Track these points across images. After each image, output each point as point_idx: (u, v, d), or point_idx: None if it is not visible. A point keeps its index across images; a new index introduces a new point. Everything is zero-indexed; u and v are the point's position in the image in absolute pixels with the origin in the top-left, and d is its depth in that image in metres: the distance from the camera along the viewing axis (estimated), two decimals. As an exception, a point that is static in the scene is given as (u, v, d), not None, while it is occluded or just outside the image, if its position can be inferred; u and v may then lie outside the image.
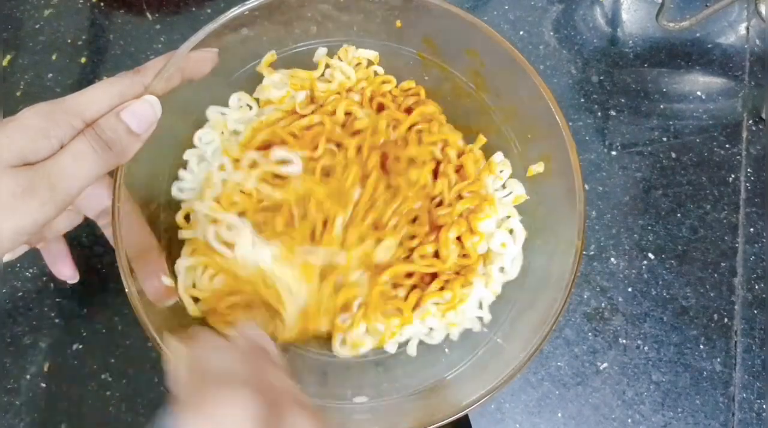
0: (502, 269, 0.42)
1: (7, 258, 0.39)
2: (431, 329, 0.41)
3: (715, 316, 0.49)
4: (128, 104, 0.31)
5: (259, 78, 0.44)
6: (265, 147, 0.41)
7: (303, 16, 0.42)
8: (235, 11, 0.38)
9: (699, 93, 0.54)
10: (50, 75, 0.51)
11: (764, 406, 0.47)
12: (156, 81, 0.33)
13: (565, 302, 0.36)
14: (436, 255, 0.42)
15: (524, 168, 0.42)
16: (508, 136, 0.43)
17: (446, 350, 0.42)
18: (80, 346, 0.45)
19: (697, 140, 0.53)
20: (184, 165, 0.42)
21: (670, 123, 0.53)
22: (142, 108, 0.32)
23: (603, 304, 0.48)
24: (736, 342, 0.48)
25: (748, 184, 0.52)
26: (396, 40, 0.44)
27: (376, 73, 0.45)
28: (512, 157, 0.43)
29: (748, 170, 0.52)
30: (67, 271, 0.40)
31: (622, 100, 0.53)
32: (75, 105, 0.30)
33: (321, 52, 0.45)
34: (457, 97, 0.44)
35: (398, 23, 0.42)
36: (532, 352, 0.35)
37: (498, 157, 0.43)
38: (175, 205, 0.41)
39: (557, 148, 0.38)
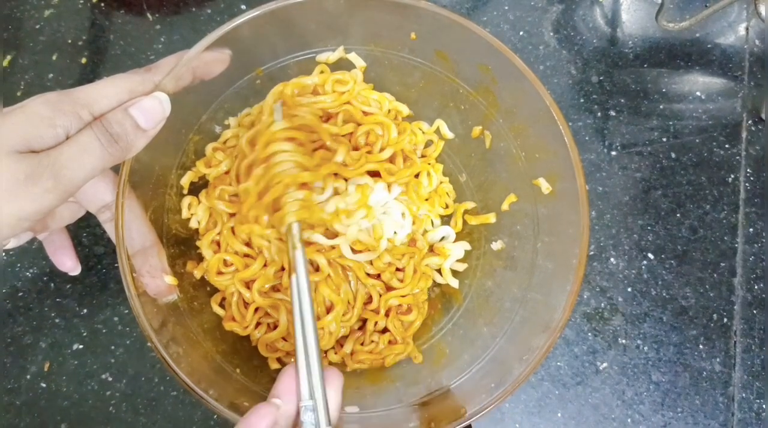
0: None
1: (11, 244, 0.38)
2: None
3: (715, 316, 0.49)
4: (137, 100, 0.31)
5: (263, 82, 0.44)
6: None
7: (317, 23, 0.41)
8: (250, 14, 0.37)
9: (699, 93, 0.54)
10: (51, 75, 0.51)
11: (764, 406, 0.47)
12: (167, 79, 0.33)
13: (569, 312, 0.35)
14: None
15: (531, 185, 0.42)
16: (516, 154, 0.43)
17: (447, 351, 0.42)
18: (80, 346, 0.45)
19: (697, 140, 0.53)
20: (187, 164, 0.42)
21: (670, 123, 0.53)
22: (151, 104, 0.32)
23: (603, 304, 0.48)
24: (735, 342, 0.48)
25: (747, 184, 0.52)
26: (410, 52, 0.43)
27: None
28: (519, 173, 0.43)
29: (748, 170, 0.52)
30: (68, 262, 0.40)
31: (622, 101, 0.53)
32: (84, 96, 0.30)
33: (332, 55, 0.44)
34: (467, 110, 0.44)
35: (413, 35, 0.42)
36: (535, 362, 0.35)
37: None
38: (177, 204, 0.42)
39: (564, 169, 0.38)
